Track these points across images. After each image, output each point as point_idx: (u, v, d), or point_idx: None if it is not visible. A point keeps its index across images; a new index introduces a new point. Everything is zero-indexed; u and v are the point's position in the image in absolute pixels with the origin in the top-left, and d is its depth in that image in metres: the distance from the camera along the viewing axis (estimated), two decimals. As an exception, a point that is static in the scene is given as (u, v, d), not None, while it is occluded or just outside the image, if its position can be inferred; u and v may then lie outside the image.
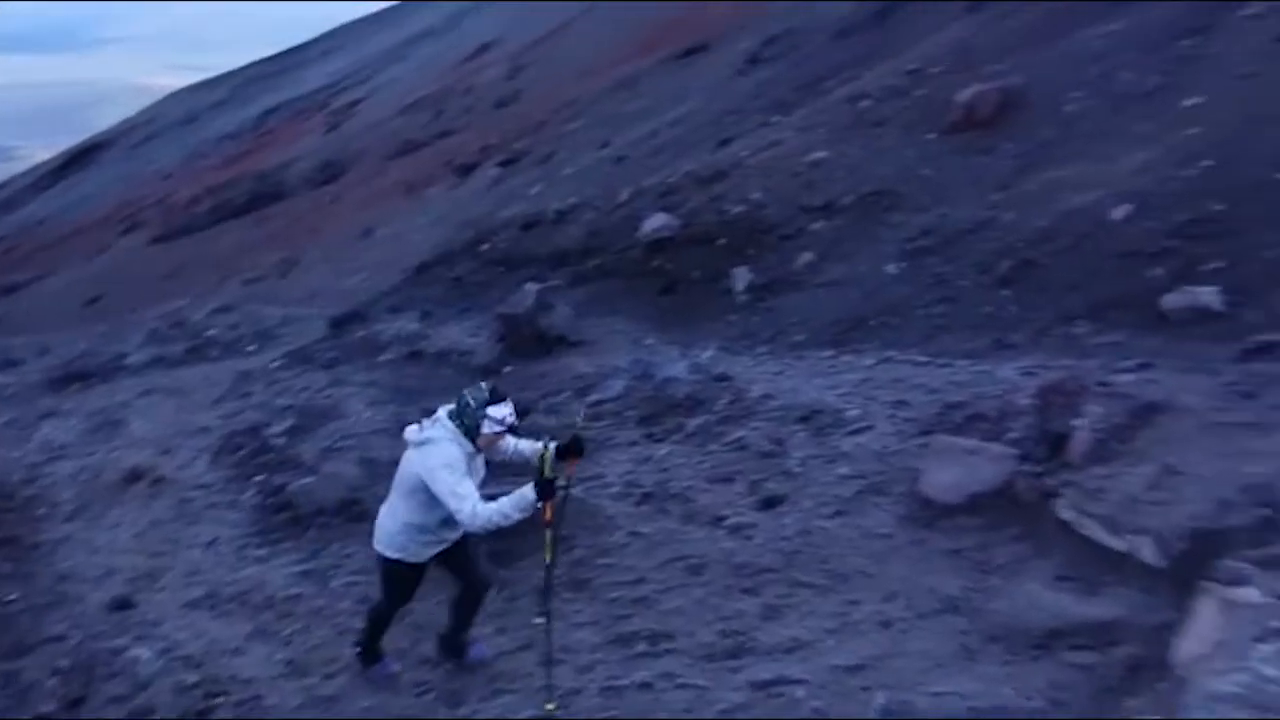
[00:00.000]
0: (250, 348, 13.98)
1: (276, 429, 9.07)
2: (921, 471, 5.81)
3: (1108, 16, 11.16)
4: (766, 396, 7.98)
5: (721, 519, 6.08)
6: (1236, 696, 2.74)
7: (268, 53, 62.91)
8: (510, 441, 4.92)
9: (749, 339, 10.20)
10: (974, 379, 7.30)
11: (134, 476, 8.53)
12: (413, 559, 4.86)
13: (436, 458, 4.51)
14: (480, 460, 4.77)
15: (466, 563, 5.04)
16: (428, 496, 4.57)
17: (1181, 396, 5.69)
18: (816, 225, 11.45)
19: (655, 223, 13.66)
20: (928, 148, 11.40)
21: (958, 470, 5.62)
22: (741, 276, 11.65)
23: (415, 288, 15.35)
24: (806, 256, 11.13)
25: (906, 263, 9.78)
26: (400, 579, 4.98)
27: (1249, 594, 3.63)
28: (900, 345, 8.53)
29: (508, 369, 10.27)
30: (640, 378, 9.04)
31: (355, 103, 41.16)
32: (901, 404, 7.20)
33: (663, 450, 7.32)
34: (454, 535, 4.79)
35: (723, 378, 8.63)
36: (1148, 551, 4.70)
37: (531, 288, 11.28)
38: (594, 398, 9.20)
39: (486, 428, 4.61)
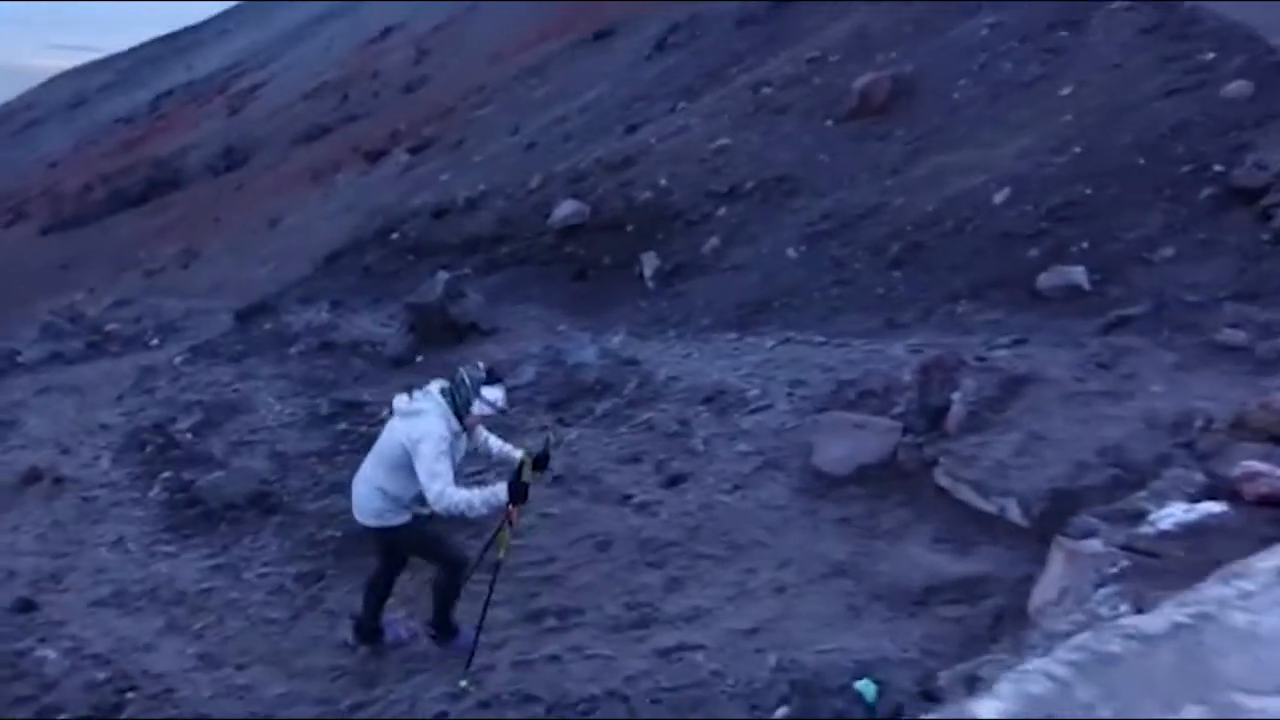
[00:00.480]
0: (153, 342, 13.65)
1: (183, 424, 8.96)
2: (814, 446, 6.17)
3: (988, 9, 11.73)
4: (673, 379, 8.26)
5: (629, 497, 6.33)
6: (1070, 633, 3.10)
7: (159, 33, 60.38)
8: (483, 433, 5.04)
9: (658, 323, 10.47)
10: (866, 357, 7.70)
11: (32, 477, 8.34)
12: (392, 524, 4.88)
13: (422, 429, 4.55)
14: (463, 441, 4.83)
15: (443, 543, 5.14)
16: (408, 469, 4.60)
17: (1048, 369, 6.16)
18: (721, 211, 11.77)
19: (566, 209, 13.81)
20: (826, 134, 11.81)
21: (847, 444, 5.99)
22: (650, 262, 11.91)
23: (325, 278, 15.16)
24: (712, 242, 11.45)
25: (806, 246, 10.16)
26: (388, 544, 5.05)
27: (1093, 545, 4.04)
28: (800, 326, 8.90)
29: (419, 358, 10.33)
30: (552, 364, 9.23)
31: (257, 86, 39.94)
32: (799, 383, 7.55)
33: (573, 434, 7.54)
34: (425, 511, 4.81)
35: (631, 362, 8.88)
36: (1013, 512, 5.13)
37: (442, 276, 11.31)
38: (507, 383, 9.34)
39: (477, 408, 4.70)
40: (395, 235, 15.56)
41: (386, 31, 39.20)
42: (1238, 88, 8.34)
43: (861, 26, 13.37)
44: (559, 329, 10.99)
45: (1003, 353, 6.75)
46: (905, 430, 6.00)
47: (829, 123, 11.96)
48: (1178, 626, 1.51)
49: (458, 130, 23.11)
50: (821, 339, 8.48)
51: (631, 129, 15.71)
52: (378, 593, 5.21)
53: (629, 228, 12.69)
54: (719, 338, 9.34)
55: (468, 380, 4.68)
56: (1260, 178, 7.38)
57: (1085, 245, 7.92)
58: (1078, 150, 8.78)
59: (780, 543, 5.53)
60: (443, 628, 5.14)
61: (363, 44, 39.17)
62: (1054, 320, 7.32)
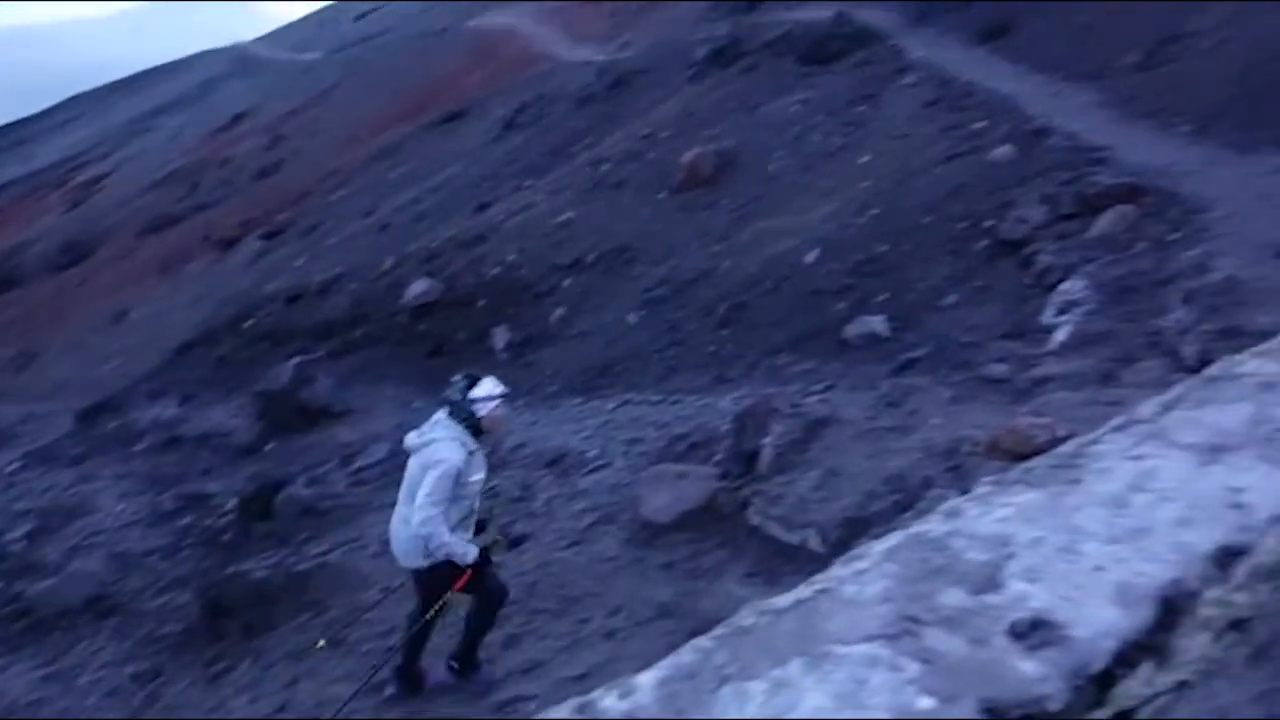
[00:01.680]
0: (-16, 451, 13.01)
1: (14, 534, 8.68)
2: (642, 498, 6.59)
3: (797, 87, 12.85)
4: (520, 446, 8.61)
5: (471, 563, 6.57)
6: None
7: (-9, 126, 57.68)
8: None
9: (510, 393, 10.81)
10: (698, 412, 8.26)
11: None
12: (439, 559, 4.66)
13: (436, 456, 4.50)
14: (481, 457, 4.74)
15: (485, 573, 4.90)
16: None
17: (846, 410, 6.82)
18: (567, 282, 12.31)
19: (418, 288, 14.10)
20: (660, 205, 12.57)
21: (670, 493, 6.44)
22: (501, 335, 12.31)
23: (175, 370, 14.87)
24: (559, 312, 11.95)
25: (645, 311, 10.77)
26: (432, 584, 4.82)
27: (864, 563, 4.58)
28: (639, 387, 9.42)
29: (269, 446, 10.32)
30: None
31: (100, 178, 38.63)
32: (636, 440, 8.03)
33: (420, 507, 7.73)
34: (466, 537, 4.72)
35: (481, 433, 9.17)
36: (814, 541, 5.66)
37: (291, 362, 11.36)
38: (358, 464, 9.48)
39: (482, 410, 4.63)
40: (249, 323, 15.46)
41: (237, 118, 38.76)
42: (1003, 152, 9.48)
43: (688, 105, 14.35)
44: (414, 406, 11.16)
45: (813, 399, 7.40)
46: (723, 475, 6.50)
47: (662, 195, 12.75)
48: (799, 601, 1.93)
49: (312, 214, 23.10)
50: (658, 398, 9.01)
51: (482, 207, 16.21)
52: (420, 638, 5.08)
53: (480, 303, 13.08)
54: (565, 403, 9.76)
55: (458, 397, 4.63)
56: (1022, 230, 8.41)
57: (885, 297, 8.77)
58: (875, 212, 9.73)
59: (611, 591, 5.89)
60: (469, 661, 5.11)
61: (212, 131, 38.55)
62: (858, 366, 8.07)
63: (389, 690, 5.27)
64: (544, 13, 30.96)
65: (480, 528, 4.92)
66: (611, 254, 12.17)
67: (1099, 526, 1.85)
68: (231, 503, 8.26)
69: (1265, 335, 2.81)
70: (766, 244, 10.43)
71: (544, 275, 12.61)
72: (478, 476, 4.77)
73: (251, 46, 57.14)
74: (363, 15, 51.13)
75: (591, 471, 7.60)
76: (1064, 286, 7.18)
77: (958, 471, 5.62)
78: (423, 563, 4.73)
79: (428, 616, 4.94)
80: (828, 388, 7.80)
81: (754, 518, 6.07)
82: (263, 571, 7.03)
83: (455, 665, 5.15)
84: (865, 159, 10.81)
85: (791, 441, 6.48)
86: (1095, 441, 2.20)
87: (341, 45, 44.62)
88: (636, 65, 18.67)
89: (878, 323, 8.46)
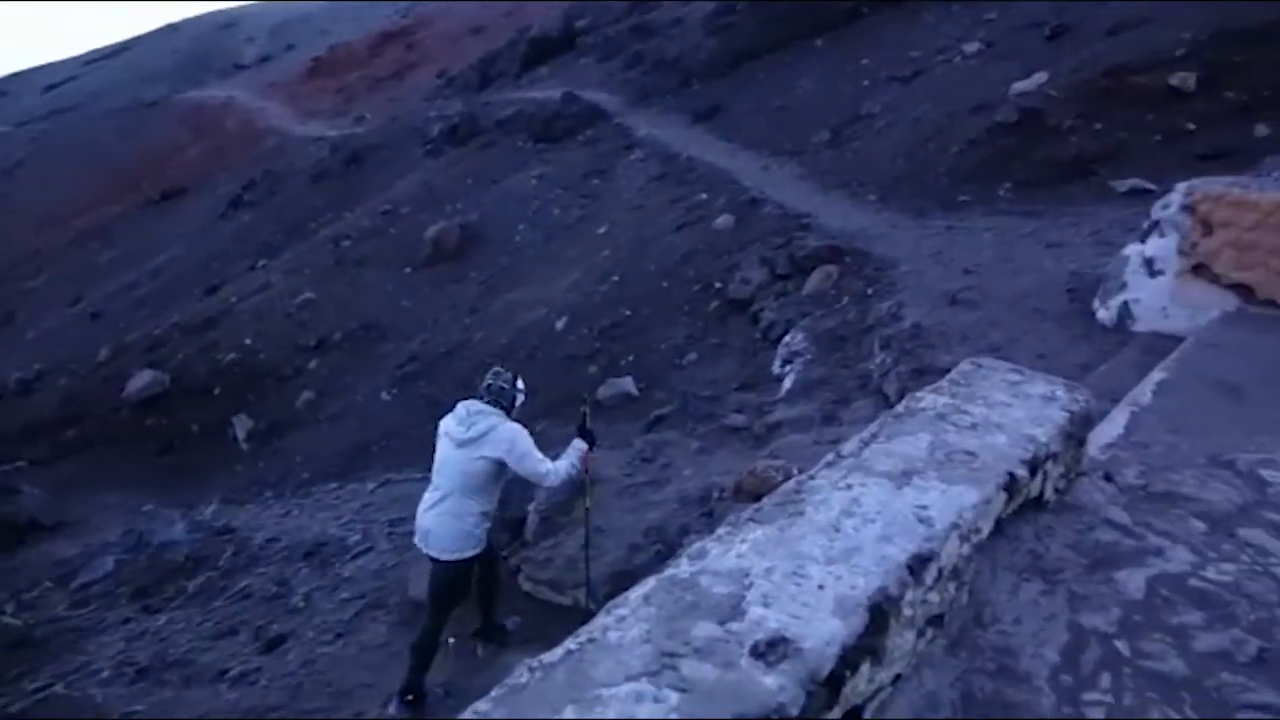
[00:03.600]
0: None
1: None
2: (410, 579, 6.47)
3: (534, 163, 13.37)
4: (272, 540, 8.14)
5: (225, 672, 6.11)
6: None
7: None
8: None
9: (256, 486, 10.19)
10: (460, 485, 8.23)
11: None
12: (485, 543, 4.90)
13: (509, 435, 4.61)
14: None
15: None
16: (495, 484, 4.72)
17: (605, 469, 7.10)
18: (313, 364, 11.86)
19: (142, 380, 12.98)
20: (406, 281, 12.50)
21: (439, 571, 6.38)
22: (242, 424, 11.59)
23: None
24: (306, 395, 11.46)
25: (398, 389, 10.61)
26: (466, 575, 4.99)
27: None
28: (398, 466, 9.25)
29: (-34, 573, 9.00)
30: (134, 549, 8.59)
31: None
32: (399, 521, 7.86)
33: (161, 620, 7.10)
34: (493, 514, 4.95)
35: (226, 531, 8.58)
36: (584, 600, 5.84)
37: (-11, 475, 10.03)
38: (80, 580, 8.51)
39: (519, 400, 4.87)
40: (-72, 436, 13.43)
41: (-100, 200, 33.75)
42: (724, 220, 10.39)
43: (428, 180, 14.45)
44: (144, 509, 10.23)
45: (571, 462, 7.63)
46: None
47: (408, 270, 12.69)
48: (569, 652, 2.07)
49: (5, 304, 20.58)
50: (420, 475, 8.87)
51: (211, 290, 15.27)
52: (429, 651, 5.13)
53: (217, 391, 12.27)
54: (320, 490, 9.35)
55: (504, 385, 4.78)
56: (747, 290, 9.24)
57: (631, 358, 9.26)
58: (616, 279, 10.28)
59: (385, 679, 5.71)
60: (498, 626, 5.37)
61: None
62: (614, 426, 8.43)
63: (391, 710, 5.14)
64: (265, 87, 29.89)
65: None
66: (359, 332, 11.90)
67: (819, 551, 2.18)
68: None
69: (946, 372, 3.39)
70: (516, 314, 10.67)
71: (287, 358, 12.07)
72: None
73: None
74: (53, 86, 46.64)
75: (354, 558, 7.34)
76: (786, 339, 7.97)
77: (710, 517, 6.06)
78: (471, 551, 4.88)
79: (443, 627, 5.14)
80: (586, 450, 8.08)
81: (525, 584, 6.15)
82: (-33, 720, 6.12)
83: (491, 636, 5.45)
84: (603, 229, 11.41)
85: (556, 504, 6.66)
86: (812, 478, 2.57)
87: (28, 118, 40.40)
88: (372, 141, 18.50)
89: (627, 383, 8.91)
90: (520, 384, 4.94)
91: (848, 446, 2.73)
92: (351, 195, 15.82)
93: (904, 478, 2.57)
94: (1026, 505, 2.72)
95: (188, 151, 25.64)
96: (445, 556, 4.90)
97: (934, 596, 2.35)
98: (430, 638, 5.13)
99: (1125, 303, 5.84)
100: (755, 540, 2.27)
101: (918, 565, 2.25)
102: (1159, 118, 9.41)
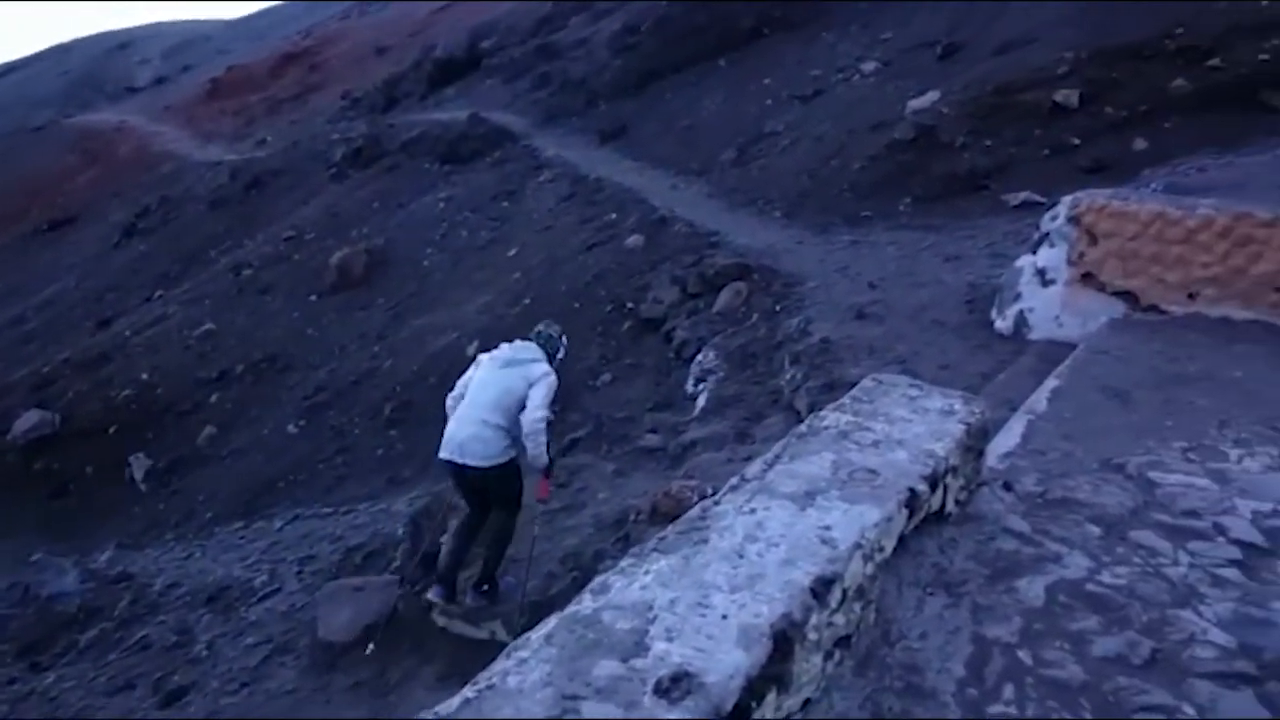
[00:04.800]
0: None
1: None
2: (319, 620, 6.24)
3: (440, 185, 13.19)
4: (173, 586, 7.77)
5: (121, 731, 5.78)
6: None
7: None
8: None
9: (155, 528, 9.74)
10: (373, 519, 8.00)
11: None
12: (509, 458, 5.24)
13: (541, 371, 5.13)
14: None
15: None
16: (521, 407, 5.08)
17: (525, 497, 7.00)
18: (214, 397, 11.41)
19: (29, 420, 12.31)
20: (312, 308, 12.14)
21: (350, 609, 6.16)
22: (140, 464, 11.07)
23: None
24: (208, 430, 11.01)
25: (305, 420, 10.27)
26: (516, 475, 5.39)
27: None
28: (307, 501, 8.93)
29: None
30: (19, 603, 8.09)
31: None
32: (309, 559, 7.58)
33: (50, 679, 6.68)
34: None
35: (123, 578, 8.16)
36: (501, 633, 5.71)
37: None
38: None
39: (560, 354, 5.43)
40: None
41: None
42: (634, 240, 10.42)
43: (331, 205, 14.11)
44: (33, 559, 9.66)
45: (486, 490, 7.48)
46: (403, 581, 6.35)
47: (313, 297, 12.34)
48: (467, 701, 1.98)
49: (-126, 345, 19.25)
50: (329, 509, 8.60)
51: (104, 323, 14.59)
52: (468, 539, 5.57)
53: (111, 430, 11.70)
54: (223, 530, 8.98)
55: (554, 334, 5.40)
56: (659, 309, 9.26)
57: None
58: (528, 301, 10.19)
59: (293, 728, 5.48)
60: (494, 581, 5.56)
61: None
62: (529, 451, 8.31)
63: (468, 600, 5.56)
64: (160, 110, 28.87)
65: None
66: (263, 363, 11.50)
67: (723, 579, 2.15)
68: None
69: (854, 385, 3.42)
70: (427, 340, 10.47)
71: (187, 392, 11.58)
72: None
73: None
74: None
75: (260, 600, 7.04)
76: (699, 357, 8.00)
77: (626, 541, 5.99)
78: (495, 461, 5.20)
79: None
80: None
81: (439, 619, 5.98)
82: None
83: (485, 588, 5.61)
84: (513, 251, 11.31)
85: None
86: (716, 502, 2.55)
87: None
88: (273, 165, 17.99)
89: (542, 407, 8.80)
90: (564, 341, 5.57)
91: (752, 469, 2.72)
92: (253, 221, 15.33)
93: (807, 499, 2.56)
94: (929, 519, 2.75)
95: (78, 178, 24.52)
96: (485, 464, 5.26)
97: (840, 618, 2.34)
98: (469, 528, 5.66)
99: (1021, 312, 6.04)
100: (659, 571, 2.23)
101: (822, 588, 2.24)
102: (1045, 133, 9.83)
